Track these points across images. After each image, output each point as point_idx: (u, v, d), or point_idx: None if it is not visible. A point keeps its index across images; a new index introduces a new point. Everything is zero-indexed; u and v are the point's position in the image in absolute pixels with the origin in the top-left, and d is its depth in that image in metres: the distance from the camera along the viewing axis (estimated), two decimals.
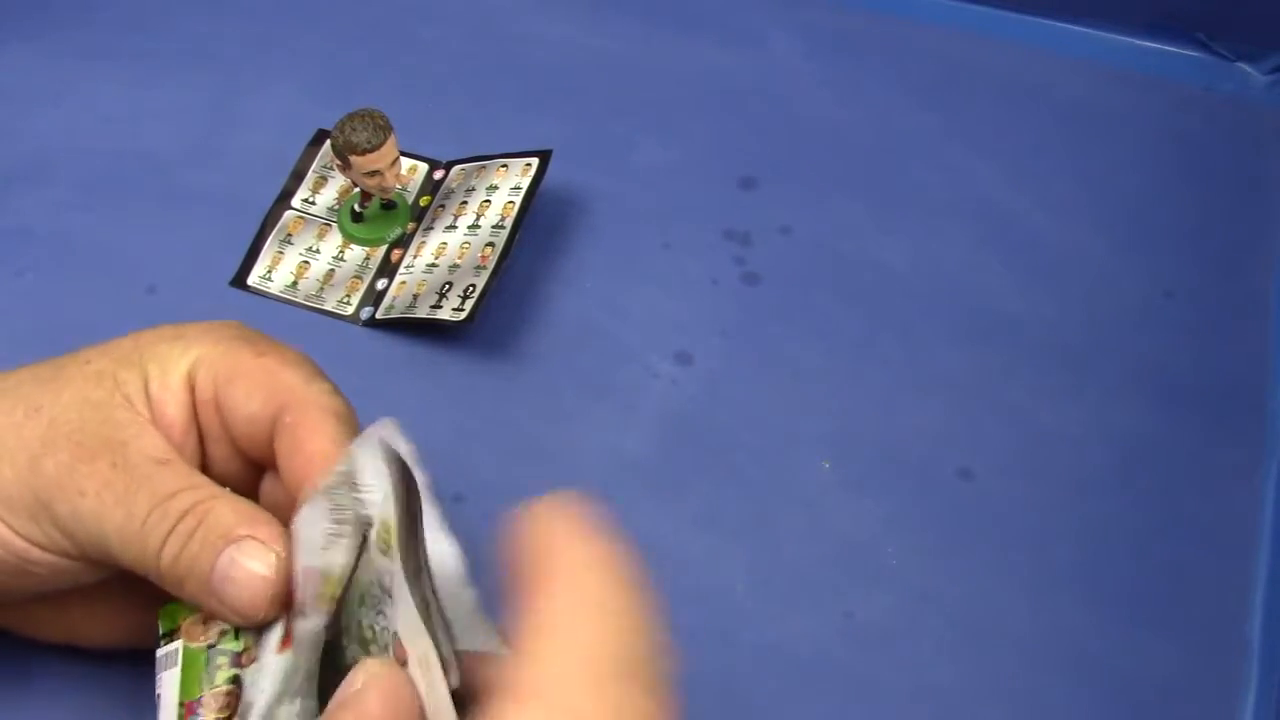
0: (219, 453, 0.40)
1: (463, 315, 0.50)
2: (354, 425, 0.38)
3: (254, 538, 0.36)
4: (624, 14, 0.62)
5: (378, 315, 0.52)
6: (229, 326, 0.40)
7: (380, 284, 0.53)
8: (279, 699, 0.35)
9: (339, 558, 0.35)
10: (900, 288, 0.54)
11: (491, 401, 0.50)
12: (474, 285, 0.50)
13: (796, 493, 0.49)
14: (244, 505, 0.37)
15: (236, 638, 0.37)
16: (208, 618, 0.37)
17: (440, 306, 0.51)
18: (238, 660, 0.37)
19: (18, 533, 0.37)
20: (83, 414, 0.37)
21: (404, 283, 0.53)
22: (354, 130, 0.51)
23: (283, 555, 0.36)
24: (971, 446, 0.50)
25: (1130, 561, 0.48)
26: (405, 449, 0.34)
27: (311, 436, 0.37)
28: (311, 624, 0.35)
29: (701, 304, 0.53)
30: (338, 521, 0.36)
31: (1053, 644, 0.46)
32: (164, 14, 0.61)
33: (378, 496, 0.34)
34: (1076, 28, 0.62)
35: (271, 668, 0.35)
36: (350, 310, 0.53)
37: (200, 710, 0.36)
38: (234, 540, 0.36)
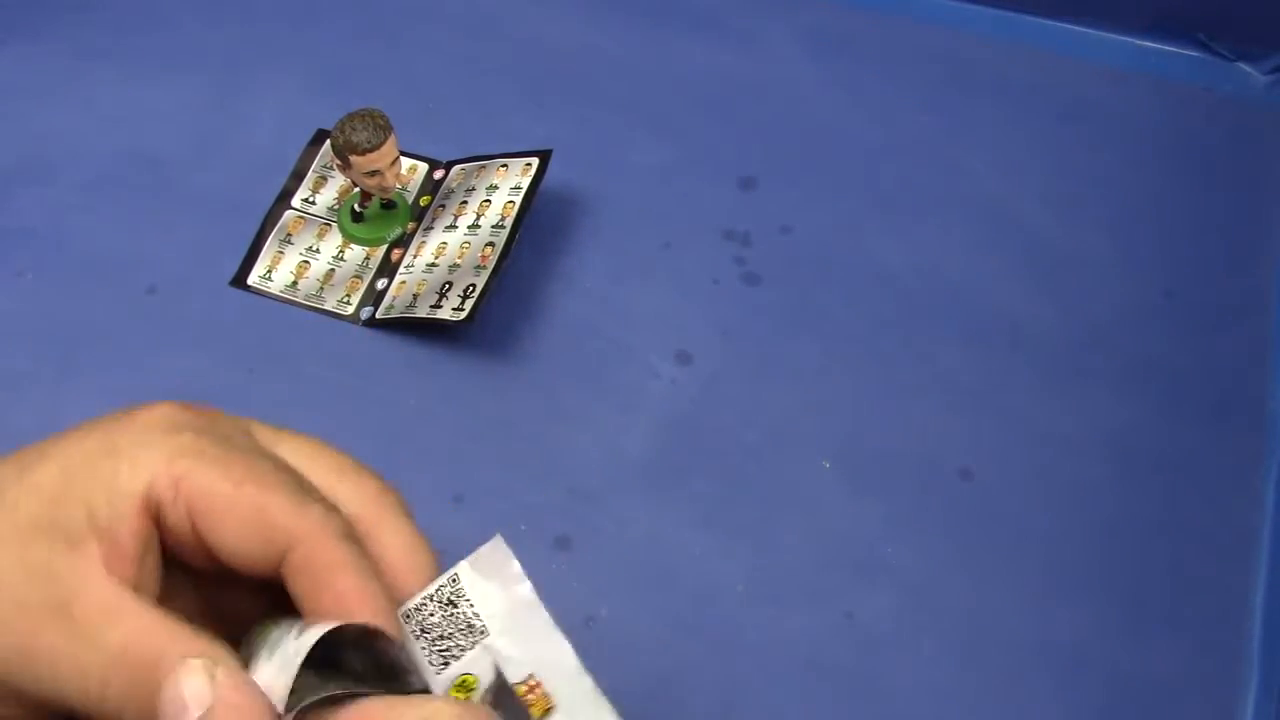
0: (195, 561, 0.37)
1: (463, 315, 0.50)
2: (358, 538, 0.36)
3: (188, 658, 0.33)
4: (624, 14, 0.62)
5: (378, 315, 0.52)
6: (170, 430, 0.36)
7: (380, 284, 0.53)
8: None
9: (459, 670, 0.35)
10: (900, 288, 0.54)
11: (491, 401, 0.50)
12: (474, 285, 0.50)
13: (796, 493, 0.49)
14: (205, 658, 0.33)
15: None
16: None
17: (440, 306, 0.51)
18: None
19: None
20: (21, 576, 0.34)
21: (404, 282, 0.53)
22: (354, 130, 0.51)
23: (227, 665, 0.33)
24: (971, 446, 0.50)
25: (1130, 562, 0.48)
26: (516, 567, 0.35)
27: (336, 573, 0.34)
28: None
29: (701, 304, 0.53)
30: (440, 639, 0.36)
31: (1053, 644, 0.46)
32: (164, 14, 0.61)
33: (489, 613, 0.35)
34: (1076, 28, 0.62)
35: None
36: (350, 310, 0.53)
37: None
38: (167, 671, 0.33)
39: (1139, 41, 0.61)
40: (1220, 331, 0.53)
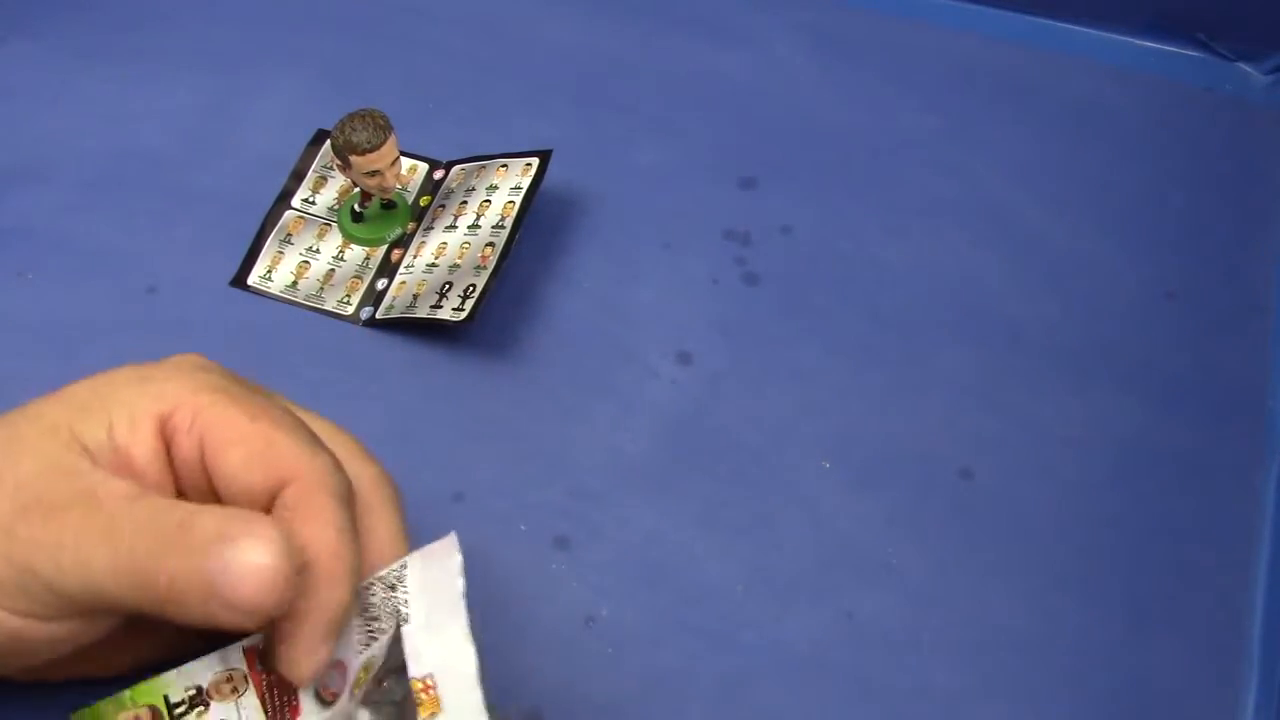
0: (191, 499, 0.38)
1: (463, 315, 0.50)
2: (353, 506, 0.37)
3: (251, 535, 0.34)
4: (624, 14, 0.62)
5: (378, 315, 0.52)
6: (200, 369, 0.38)
7: (380, 284, 0.53)
8: None
9: (376, 651, 0.36)
10: (900, 288, 0.54)
11: (491, 401, 0.50)
12: (474, 285, 0.50)
13: (796, 493, 0.49)
14: (231, 510, 0.35)
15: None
16: None
17: (440, 306, 0.51)
18: None
19: (10, 610, 0.35)
20: (45, 475, 0.35)
21: (404, 283, 0.53)
22: (354, 130, 0.51)
23: (282, 543, 0.34)
24: (971, 446, 0.50)
25: (1130, 561, 0.48)
26: (458, 563, 0.36)
27: (314, 522, 0.36)
28: (342, 709, 0.36)
29: (701, 304, 0.53)
30: (372, 619, 0.36)
31: (1053, 644, 0.46)
32: (164, 14, 0.61)
33: (417, 605, 0.36)
34: (1076, 28, 0.62)
35: None
36: (350, 310, 0.53)
37: None
38: (228, 540, 0.34)
39: (1139, 41, 0.61)
40: (1221, 331, 0.53)
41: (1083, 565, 0.48)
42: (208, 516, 0.34)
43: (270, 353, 0.51)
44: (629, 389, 0.51)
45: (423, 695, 0.34)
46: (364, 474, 0.39)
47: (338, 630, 0.36)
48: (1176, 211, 0.57)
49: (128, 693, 0.39)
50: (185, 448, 0.37)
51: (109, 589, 0.34)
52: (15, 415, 0.37)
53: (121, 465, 0.36)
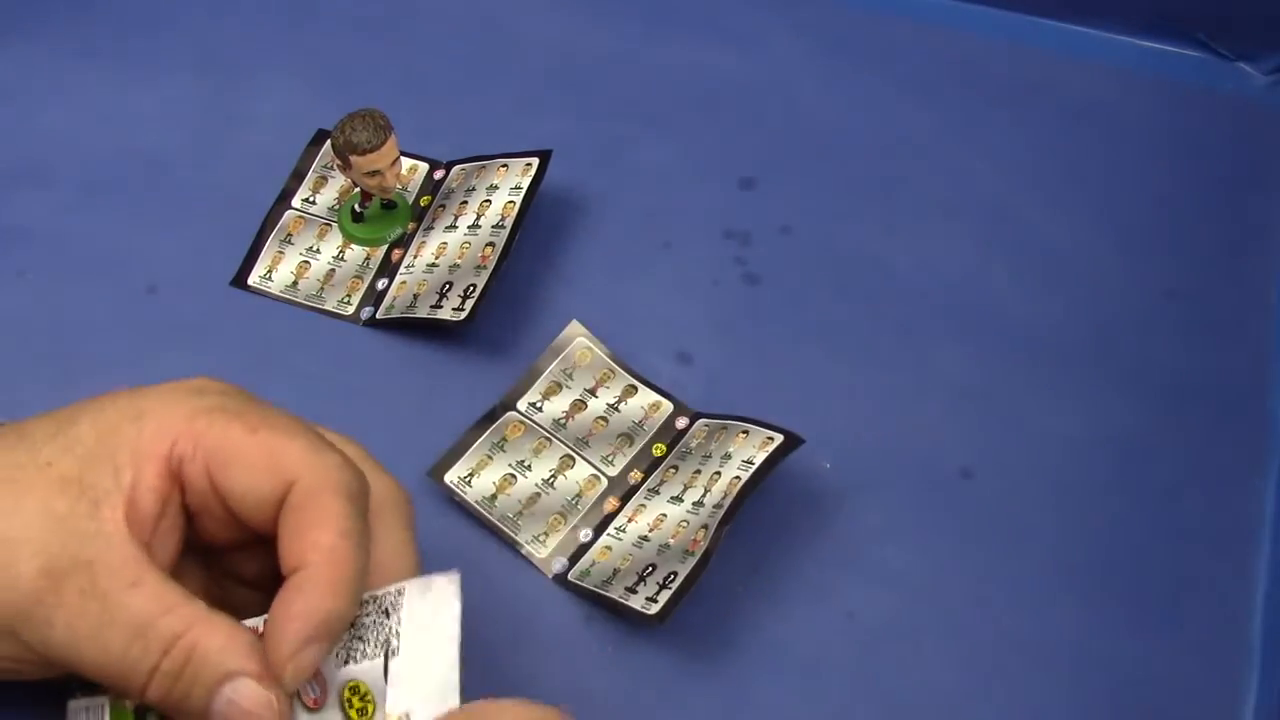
0: (211, 526, 0.38)
1: (463, 315, 0.50)
2: (364, 504, 0.36)
3: (247, 675, 0.34)
4: (624, 14, 0.62)
5: (378, 315, 0.52)
6: (196, 393, 0.37)
7: (380, 284, 0.53)
8: None
9: (363, 676, 0.36)
10: (900, 288, 0.54)
11: (491, 401, 0.50)
12: (474, 285, 0.50)
13: (798, 492, 0.49)
14: (230, 631, 0.35)
15: None
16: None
17: (440, 306, 0.51)
18: None
19: None
20: (45, 530, 0.35)
21: (404, 283, 0.53)
22: (354, 130, 0.51)
23: (279, 698, 0.34)
24: (971, 446, 0.50)
25: (1130, 561, 0.48)
26: (456, 610, 0.35)
27: (315, 525, 0.35)
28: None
29: (701, 304, 0.53)
30: (357, 637, 0.36)
31: (1053, 644, 0.46)
32: (164, 14, 0.61)
33: (409, 641, 0.35)
34: (1076, 28, 0.62)
35: None
36: (350, 310, 0.53)
37: None
38: (230, 678, 0.34)
39: (1139, 41, 0.61)
40: (1221, 331, 0.53)
41: (1082, 565, 0.48)
42: (210, 640, 0.34)
43: (270, 353, 0.51)
44: None
45: None
46: (374, 485, 0.38)
47: (329, 637, 0.35)
48: (1177, 211, 0.57)
49: None
50: (194, 476, 0.36)
51: (90, 674, 0.35)
52: (24, 458, 0.36)
53: (130, 509, 0.36)
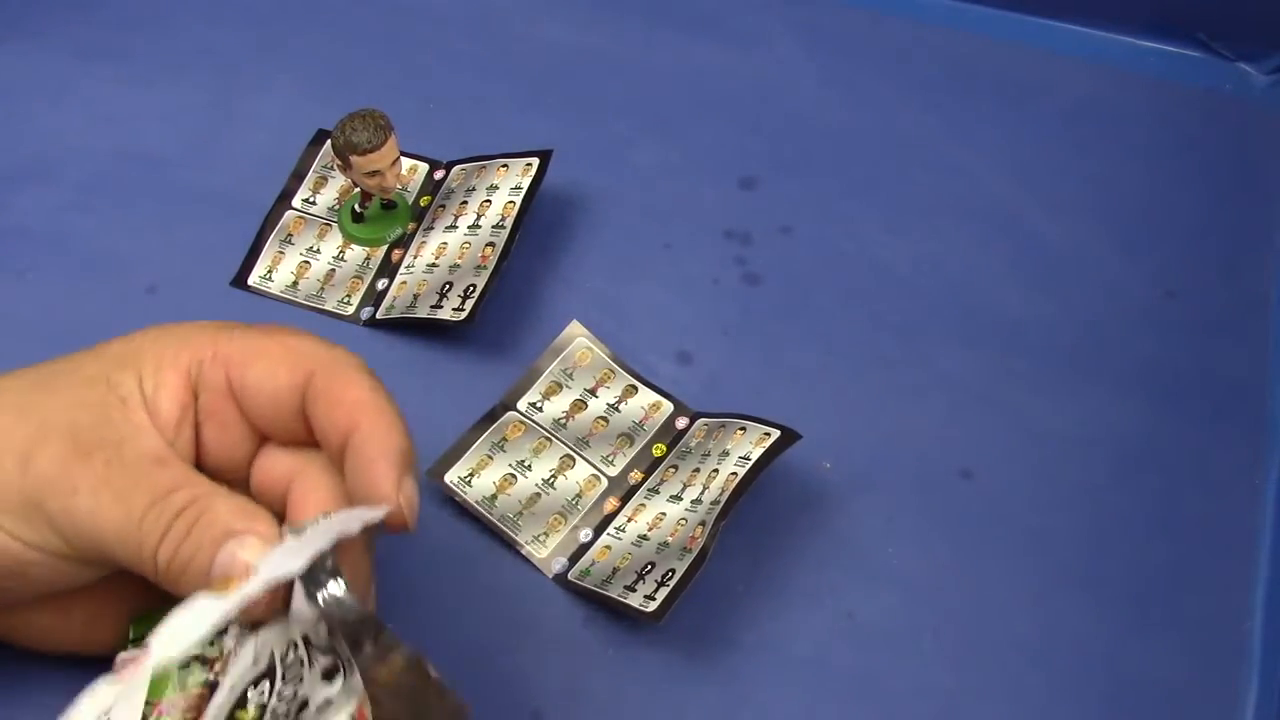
0: (217, 443, 0.40)
1: (463, 315, 0.50)
2: (377, 377, 0.39)
3: (254, 533, 0.36)
4: (624, 14, 0.62)
5: (378, 315, 0.52)
6: (224, 324, 0.40)
7: (381, 284, 0.53)
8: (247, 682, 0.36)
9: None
10: (900, 288, 0.54)
11: (491, 401, 0.50)
12: (474, 285, 0.50)
13: (797, 492, 0.49)
14: (242, 501, 0.37)
15: (211, 644, 0.37)
16: None
17: (440, 306, 0.51)
18: (210, 666, 0.37)
19: (11, 534, 0.36)
20: (75, 415, 0.37)
21: (404, 283, 0.53)
22: (354, 130, 0.51)
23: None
24: (971, 446, 0.50)
25: (1130, 561, 0.48)
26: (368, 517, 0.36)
27: (349, 388, 0.38)
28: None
29: (702, 304, 0.53)
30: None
31: (1053, 644, 0.46)
32: (164, 14, 0.61)
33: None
34: (1076, 28, 0.62)
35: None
36: (351, 310, 0.53)
37: (168, 710, 0.36)
38: (233, 535, 0.35)
39: (1139, 41, 0.61)
40: (1220, 331, 0.53)
41: (1082, 565, 0.48)
42: (221, 504, 0.36)
43: None
44: None
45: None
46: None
47: (411, 469, 0.37)
48: (1176, 211, 0.57)
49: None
50: (212, 378, 0.39)
51: (110, 544, 0.36)
52: (56, 365, 0.39)
53: (151, 414, 0.38)
